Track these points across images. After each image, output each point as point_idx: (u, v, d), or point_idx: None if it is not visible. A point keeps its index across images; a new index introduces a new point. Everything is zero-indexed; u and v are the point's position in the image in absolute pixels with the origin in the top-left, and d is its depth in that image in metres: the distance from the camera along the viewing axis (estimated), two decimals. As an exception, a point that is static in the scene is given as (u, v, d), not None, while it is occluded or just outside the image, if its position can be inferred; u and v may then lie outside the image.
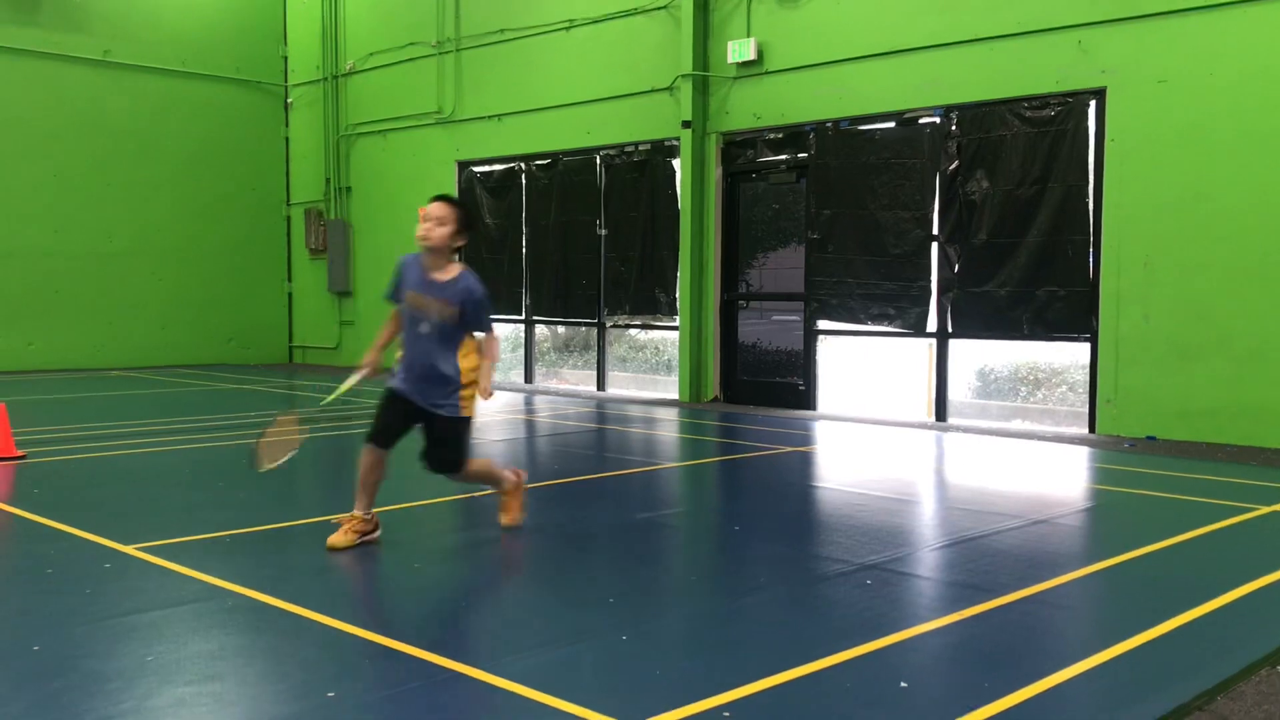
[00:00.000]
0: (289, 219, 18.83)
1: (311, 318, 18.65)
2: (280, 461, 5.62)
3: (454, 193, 15.87)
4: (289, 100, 18.69)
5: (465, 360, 5.41)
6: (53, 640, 3.92)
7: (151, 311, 17.32)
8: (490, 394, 5.46)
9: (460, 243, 5.39)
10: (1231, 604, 4.51)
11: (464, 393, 5.43)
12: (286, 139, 18.76)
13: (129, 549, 5.24)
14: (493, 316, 5.56)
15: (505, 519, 5.87)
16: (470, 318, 5.35)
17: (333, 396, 5.68)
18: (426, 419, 5.40)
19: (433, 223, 5.30)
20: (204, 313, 17.86)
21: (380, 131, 17.09)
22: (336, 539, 5.32)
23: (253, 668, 3.69)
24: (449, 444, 5.45)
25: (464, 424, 5.49)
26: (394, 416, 5.40)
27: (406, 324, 5.39)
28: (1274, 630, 4.15)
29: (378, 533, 5.50)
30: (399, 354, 5.43)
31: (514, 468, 6.01)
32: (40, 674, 3.58)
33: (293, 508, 6.71)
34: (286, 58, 18.63)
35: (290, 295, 18.95)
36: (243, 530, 5.74)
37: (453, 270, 5.36)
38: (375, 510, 5.49)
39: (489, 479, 5.84)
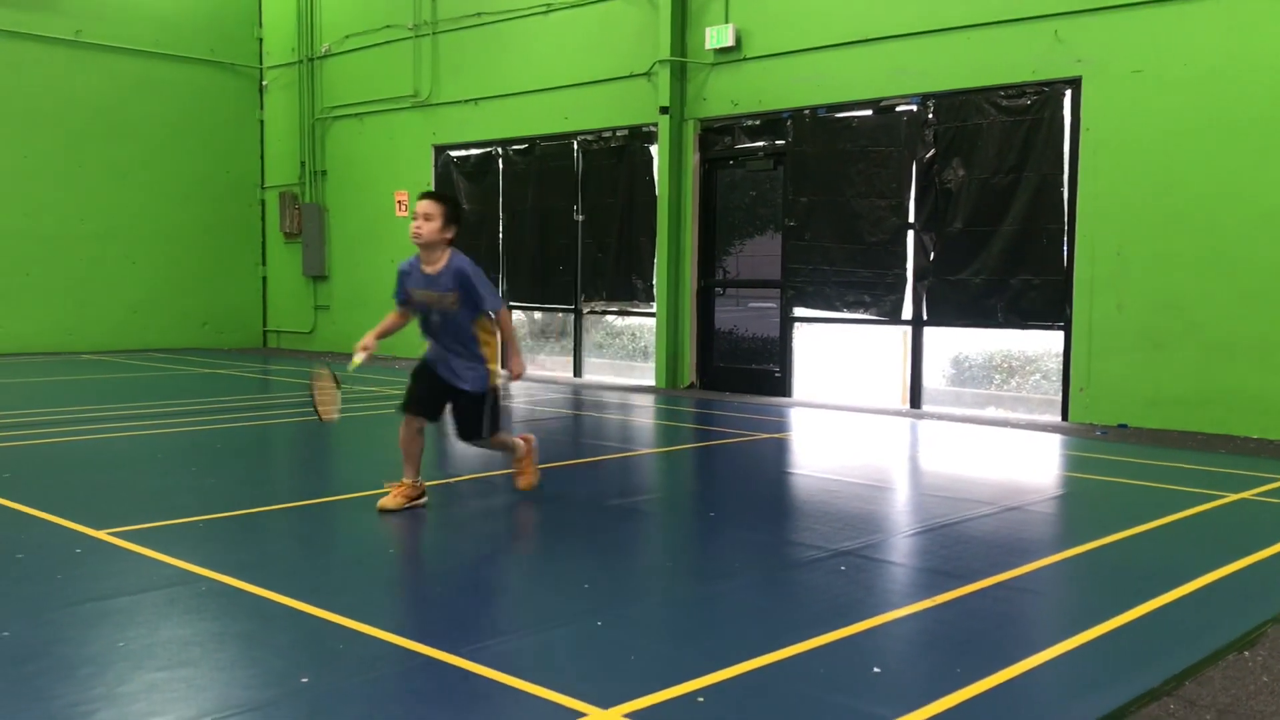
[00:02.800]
0: (264, 202, 18.69)
1: (286, 302, 18.53)
2: (335, 410, 6.22)
3: (430, 178, 15.80)
4: (264, 82, 18.53)
5: (487, 348, 5.81)
6: (23, 626, 3.89)
7: (124, 295, 17.17)
8: (522, 371, 5.93)
9: (449, 234, 5.70)
10: (1200, 590, 4.56)
11: (490, 367, 5.82)
12: (261, 121, 18.61)
13: (101, 534, 5.20)
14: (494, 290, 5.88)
15: (522, 482, 6.27)
16: (469, 296, 5.64)
17: (351, 367, 5.82)
18: (453, 394, 5.81)
19: (420, 219, 5.63)
20: (177, 296, 17.72)
21: (356, 115, 16.97)
22: (387, 501, 5.74)
23: (225, 653, 3.68)
24: (471, 417, 5.85)
25: (486, 398, 5.83)
26: (424, 388, 5.87)
27: (422, 322, 5.83)
28: (1242, 616, 4.20)
29: (424, 499, 5.91)
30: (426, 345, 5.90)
31: (524, 434, 6.42)
32: (11, 660, 3.55)
33: (265, 493, 6.68)
34: (261, 40, 18.47)
35: (264, 279, 18.82)
36: (215, 515, 5.71)
37: (444, 259, 5.69)
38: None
39: (506, 447, 6.20)
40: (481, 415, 5.84)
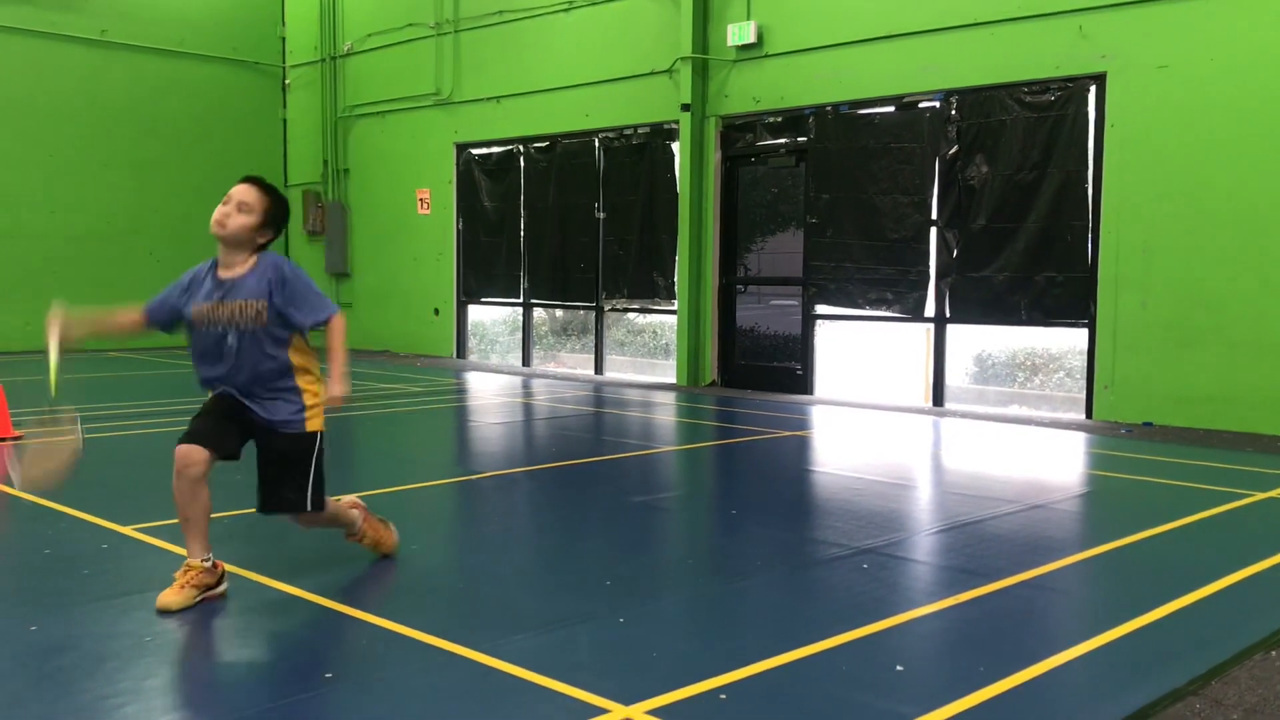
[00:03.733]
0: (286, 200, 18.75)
1: (309, 300, 18.58)
2: (54, 470, 4.33)
3: (452, 176, 15.85)
4: (287, 81, 18.62)
5: (306, 378, 4.32)
6: (50, 620, 3.92)
7: (149, 292, 16.49)
8: (343, 397, 4.27)
9: (264, 238, 4.33)
10: (1226, 589, 4.53)
11: (308, 401, 4.29)
12: (284, 120, 18.70)
13: (126, 529, 5.25)
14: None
15: (384, 547, 4.83)
16: (288, 306, 4.20)
17: (53, 387, 4.42)
18: (262, 434, 4.28)
19: (232, 207, 4.24)
20: (201, 294, 17.80)
21: (378, 113, 17.03)
22: (167, 597, 4.03)
23: (249, 648, 3.70)
24: (292, 474, 4.27)
25: (312, 450, 4.29)
26: (214, 419, 4.23)
27: (204, 351, 4.28)
28: (1268, 615, 4.17)
29: (223, 587, 4.22)
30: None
31: (348, 497, 4.82)
32: (38, 654, 3.59)
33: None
34: (284, 38, 18.56)
35: (288, 277, 18.89)
36: (240, 511, 5.74)
37: (249, 262, 4.28)
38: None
39: (336, 522, 4.63)
40: (307, 473, 4.26)
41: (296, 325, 4.23)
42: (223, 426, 4.22)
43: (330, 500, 4.48)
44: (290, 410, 4.26)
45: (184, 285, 4.43)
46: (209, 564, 4.14)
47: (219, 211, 4.28)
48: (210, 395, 4.31)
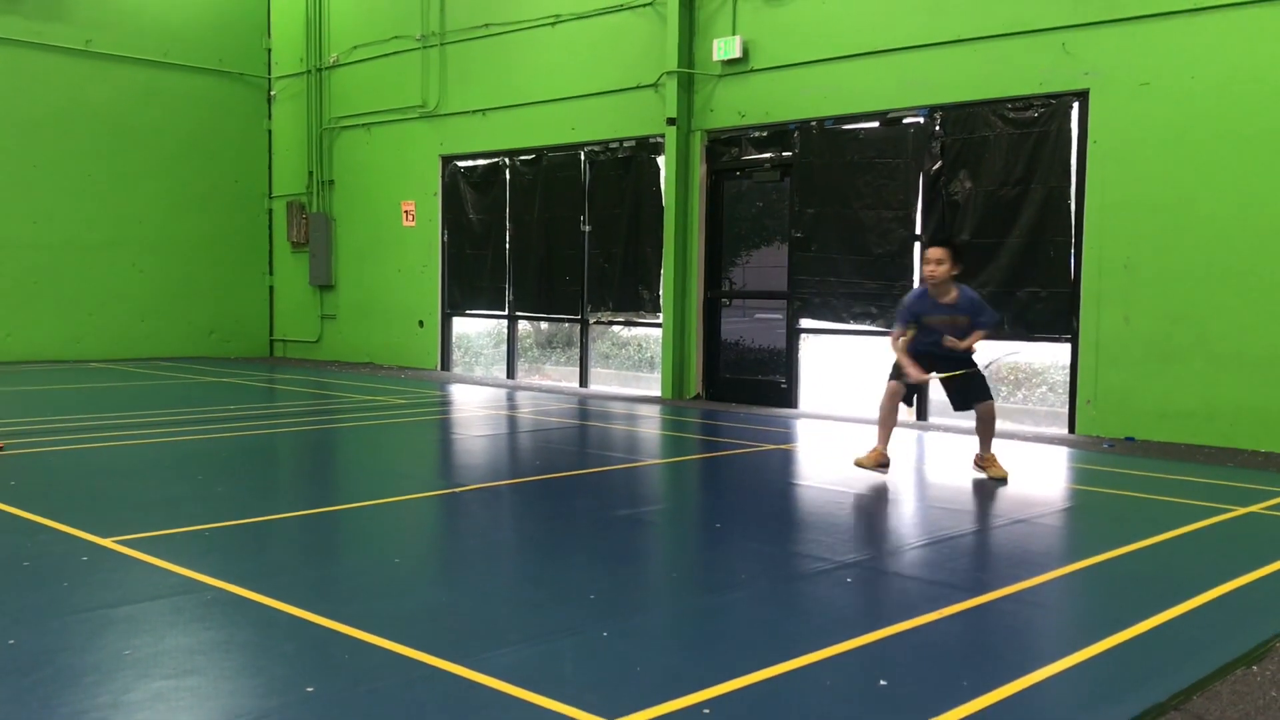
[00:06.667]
0: (271, 212, 18.74)
1: (293, 311, 18.56)
2: None
3: (438, 188, 15.85)
4: (272, 92, 18.59)
5: None
6: (29, 634, 3.89)
7: (131, 303, 17.21)
8: None
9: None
10: (1208, 604, 4.55)
11: None
12: (269, 131, 18.66)
13: (107, 542, 5.21)
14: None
15: None
16: None
17: None
18: None
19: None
20: (184, 305, 17.76)
21: (364, 125, 17.02)
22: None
23: (231, 662, 3.68)
24: None
25: None
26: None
27: None
28: (1250, 630, 4.19)
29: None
30: None
31: None
32: (16, 668, 3.55)
33: (271, 502, 6.69)
34: (270, 50, 18.53)
35: (271, 289, 18.86)
36: (221, 524, 5.71)
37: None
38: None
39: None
40: None
41: None
42: None
43: None
44: None
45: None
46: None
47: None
48: None
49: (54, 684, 3.41)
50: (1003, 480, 7.39)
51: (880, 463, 7.55)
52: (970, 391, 7.63)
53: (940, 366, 7.59)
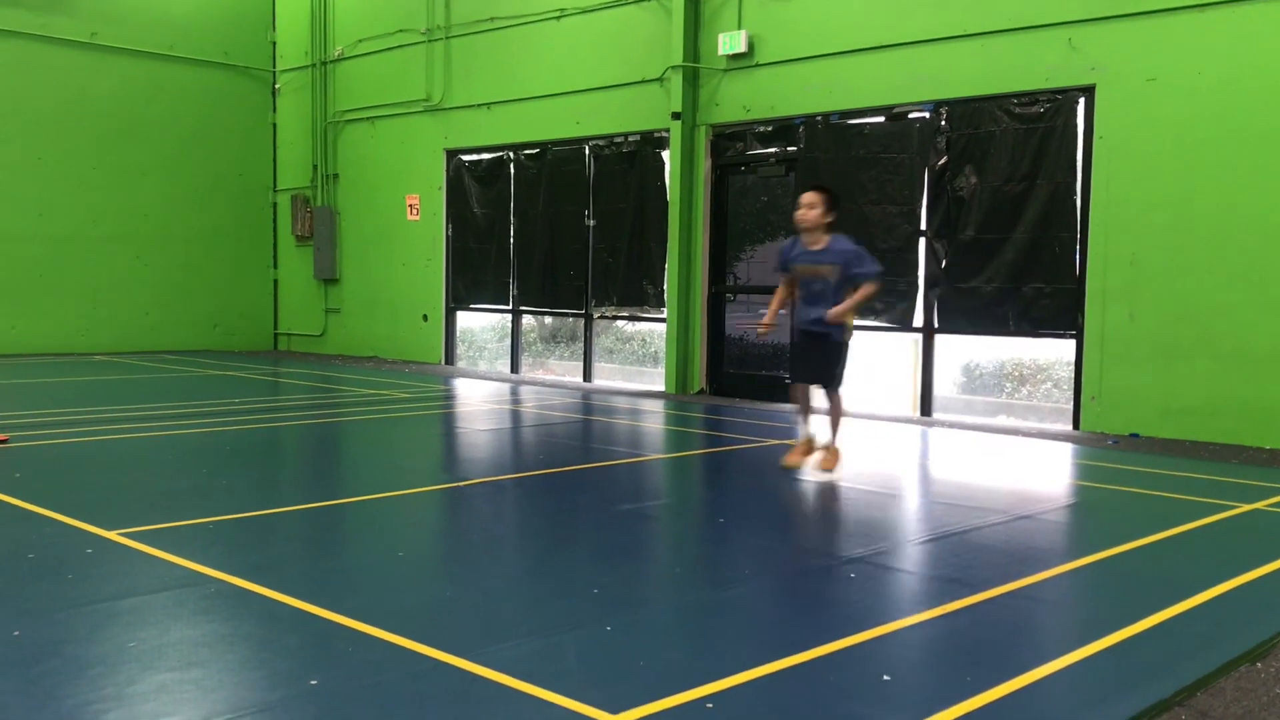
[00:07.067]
0: (275, 205, 18.74)
1: (297, 305, 18.58)
2: None
3: (442, 182, 15.84)
4: (277, 86, 18.59)
5: None
6: (34, 625, 3.90)
7: (136, 296, 17.23)
8: None
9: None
10: (1212, 601, 4.54)
11: None
12: (274, 125, 18.66)
13: (111, 534, 5.22)
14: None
15: None
16: None
17: None
18: None
19: None
20: (189, 298, 17.78)
21: (368, 119, 17.02)
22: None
23: (235, 654, 3.68)
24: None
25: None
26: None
27: None
28: (1254, 627, 4.18)
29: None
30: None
31: None
32: (21, 660, 3.56)
33: (275, 495, 6.69)
34: (275, 43, 18.53)
35: (276, 282, 18.87)
36: (226, 517, 5.72)
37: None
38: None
39: None
40: None
41: None
42: None
43: None
44: None
45: None
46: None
47: None
48: None
49: (59, 675, 3.42)
50: (826, 475, 7.05)
51: (807, 452, 7.25)
52: (818, 363, 7.21)
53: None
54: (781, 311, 7.63)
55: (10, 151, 15.87)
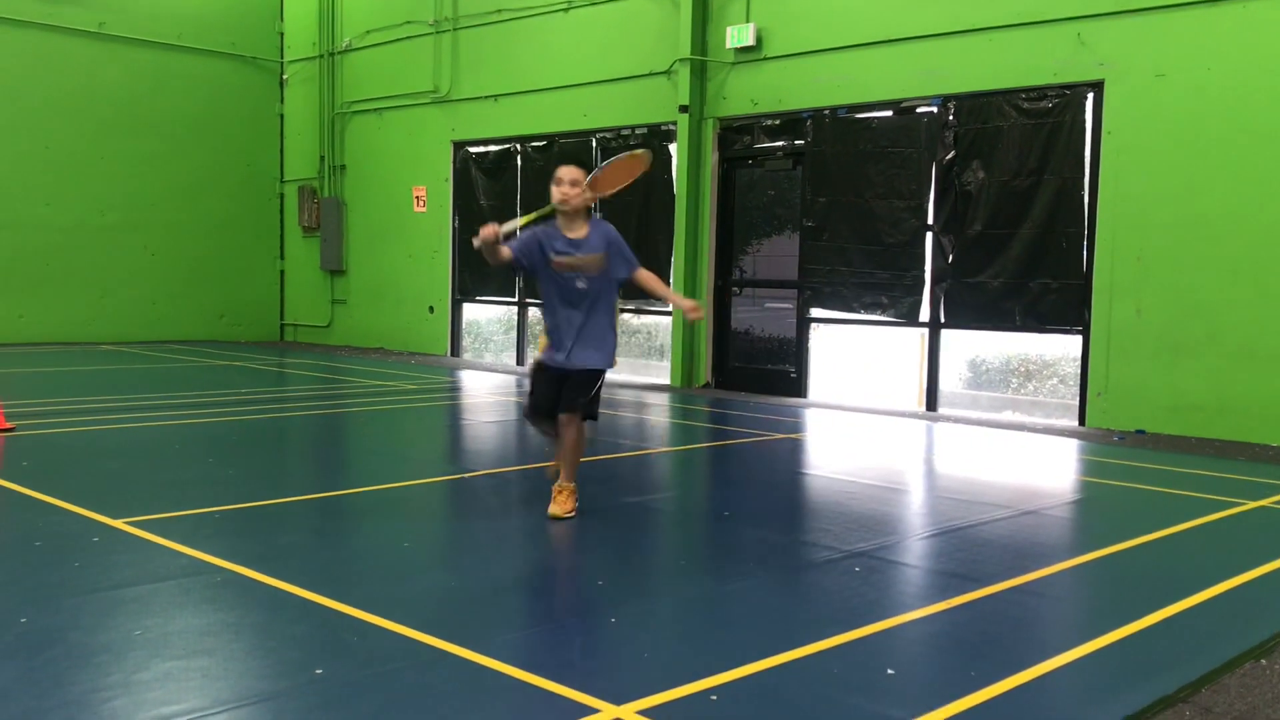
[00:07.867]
0: (282, 196, 18.76)
1: (304, 296, 18.60)
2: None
3: (449, 174, 15.84)
4: (284, 76, 18.60)
5: None
6: (41, 613, 3.91)
7: (143, 286, 17.26)
8: None
9: None
10: (1217, 597, 4.54)
11: None
12: (281, 115, 18.67)
13: (118, 523, 5.23)
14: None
15: None
16: None
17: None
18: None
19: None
20: (196, 288, 17.81)
21: (376, 110, 17.02)
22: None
23: (241, 643, 3.69)
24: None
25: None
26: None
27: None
28: (1259, 624, 4.18)
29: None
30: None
31: None
32: (28, 646, 3.57)
33: (281, 485, 6.71)
34: (283, 34, 18.53)
35: (283, 273, 18.89)
36: (232, 506, 5.73)
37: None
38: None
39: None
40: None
41: None
42: None
43: None
44: None
45: None
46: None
47: None
48: None
49: (66, 663, 3.43)
50: (560, 519, 5.59)
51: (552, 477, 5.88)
52: (570, 389, 5.72)
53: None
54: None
55: (18, 141, 15.89)
